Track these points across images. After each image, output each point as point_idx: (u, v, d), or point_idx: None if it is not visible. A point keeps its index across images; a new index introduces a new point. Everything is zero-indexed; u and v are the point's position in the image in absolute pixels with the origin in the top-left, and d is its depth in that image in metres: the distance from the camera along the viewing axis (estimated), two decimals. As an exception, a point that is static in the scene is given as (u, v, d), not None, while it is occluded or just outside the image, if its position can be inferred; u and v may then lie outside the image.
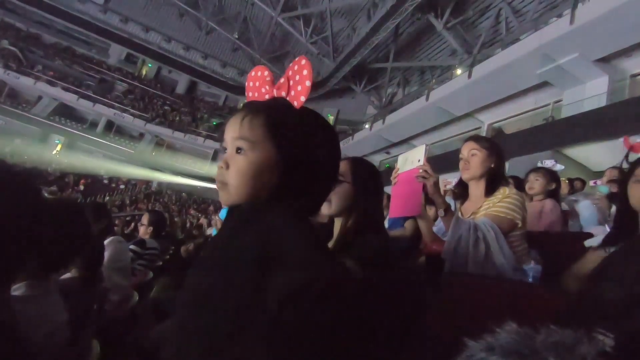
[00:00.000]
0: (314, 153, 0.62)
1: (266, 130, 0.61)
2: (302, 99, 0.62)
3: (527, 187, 2.35)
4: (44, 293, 0.93)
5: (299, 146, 0.61)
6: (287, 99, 0.64)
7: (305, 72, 0.63)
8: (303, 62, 0.64)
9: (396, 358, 1.24)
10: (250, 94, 0.70)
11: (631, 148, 2.53)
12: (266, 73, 0.70)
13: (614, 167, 2.90)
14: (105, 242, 2.05)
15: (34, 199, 0.67)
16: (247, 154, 0.60)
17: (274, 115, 0.62)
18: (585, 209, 2.19)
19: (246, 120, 0.62)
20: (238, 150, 0.61)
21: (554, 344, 0.39)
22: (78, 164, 18.83)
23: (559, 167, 2.62)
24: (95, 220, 2.14)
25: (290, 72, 0.65)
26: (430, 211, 2.10)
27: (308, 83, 0.62)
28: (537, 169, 2.44)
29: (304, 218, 0.59)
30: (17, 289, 0.88)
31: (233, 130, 0.63)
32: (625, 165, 2.57)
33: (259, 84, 0.70)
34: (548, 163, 2.65)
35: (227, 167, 0.62)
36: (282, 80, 0.66)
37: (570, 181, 3.55)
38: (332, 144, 0.67)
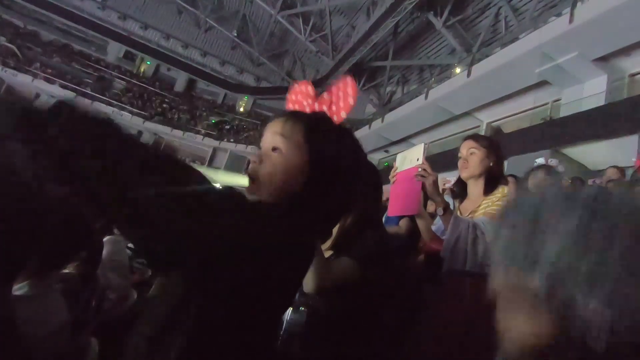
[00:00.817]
0: (342, 167, 0.65)
1: (304, 136, 0.64)
2: (343, 114, 0.68)
3: (536, 184, 2.30)
4: (45, 292, 0.93)
5: (331, 158, 0.64)
6: (328, 113, 0.70)
7: (349, 89, 0.69)
8: (348, 80, 0.70)
9: (395, 353, 1.24)
10: (291, 106, 0.75)
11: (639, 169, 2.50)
12: (309, 88, 0.75)
13: (614, 167, 2.90)
14: (103, 240, 2.05)
15: (39, 197, 0.67)
16: (283, 153, 0.64)
17: (314, 124, 0.66)
18: None
19: (289, 122, 0.66)
20: (274, 149, 0.65)
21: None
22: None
23: (560, 168, 2.60)
24: (94, 218, 2.14)
25: (334, 89, 0.71)
26: (432, 207, 2.10)
27: (351, 101, 0.68)
28: (548, 167, 2.40)
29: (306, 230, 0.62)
30: (20, 289, 0.88)
31: (276, 127, 0.66)
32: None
33: (301, 97, 0.75)
34: (553, 162, 2.63)
35: (261, 162, 0.65)
36: (325, 95, 0.71)
37: (573, 181, 3.55)
38: (360, 164, 0.71)
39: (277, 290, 0.57)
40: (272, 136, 0.65)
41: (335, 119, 0.68)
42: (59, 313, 0.95)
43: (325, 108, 0.69)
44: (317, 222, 0.64)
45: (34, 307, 0.86)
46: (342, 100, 0.68)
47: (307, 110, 0.72)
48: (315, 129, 0.65)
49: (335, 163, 0.64)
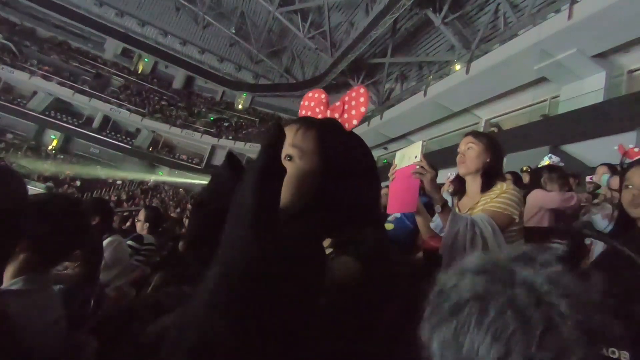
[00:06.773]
0: (353, 173, 0.67)
1: (317, 143, 0.66)
2: (355, 122, 0.70)
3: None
4: (41, 287, 0.93)
5: (342, 164, 0.66)
6: (340, 120, 0.72)
7: (362, 99, 0.71)
8: (362, 90, 0.72)
9: (394, 350, 1.24)
10: (304, 112, 0.77)
11: (625, 154, 2.57)
12: (323, 96, 0.77)
13: (605, 164, 2.90)
14: (106, 241, 2.06)
15: (17, 191, 0.67)
16: (296, 161, 0.65)
17: (326, 131, 0.68)
18: (600, 221, 2.29)
19: (301, 131, 0.67)
20: (288, 157, 0.66)
21: (517, 256, 0.42)
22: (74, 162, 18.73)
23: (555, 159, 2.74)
24: (94, 216, 2.14)
25: (347, 98, 0.72)
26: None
27: (363, 109, 0.70)
28: (557, 169, 2.58)
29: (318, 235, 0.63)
30: (15, 284, 0.88)
31: (288, 137, 0.66)
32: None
33: (314, 104, 0.77)
34: (555, 159, 2.75)
35: None
36: (337, 103, 0.73)
37: (575, 177, 3.69)
38: (370, 172, 0.72)
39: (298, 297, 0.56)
40: (285, 148, 0.65)
41: (346, 126, 0.70)
42: (54, 308, 0.95)
43: (337, 116, 0.71)
44: (330, 226, 0.65)
45: (29, 302, 0.86)
46: (355, 108, 0.70)
47: (319, 116, 0.74)
48: (327, 136, 0.66)
49: (347, 169, 0.66)
